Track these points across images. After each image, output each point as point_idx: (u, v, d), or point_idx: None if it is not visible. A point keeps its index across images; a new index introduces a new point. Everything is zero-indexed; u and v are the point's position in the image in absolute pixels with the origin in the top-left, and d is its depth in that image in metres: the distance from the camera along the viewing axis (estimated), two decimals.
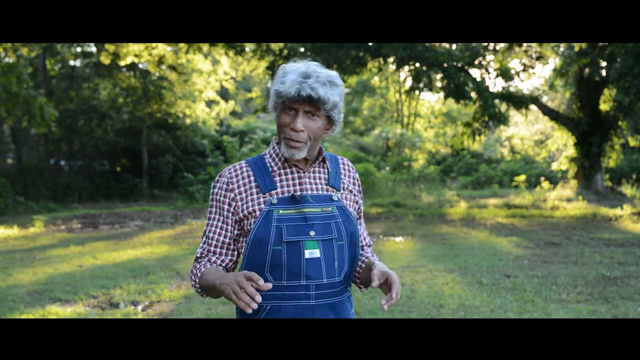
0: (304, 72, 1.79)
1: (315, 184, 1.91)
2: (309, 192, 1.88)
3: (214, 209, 1.92)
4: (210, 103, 25.42)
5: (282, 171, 1.90)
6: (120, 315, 5.46)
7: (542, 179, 19.23)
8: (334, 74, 1.84)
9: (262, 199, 1.86)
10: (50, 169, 22.46)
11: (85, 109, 22.77)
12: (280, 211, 1.83)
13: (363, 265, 1.97)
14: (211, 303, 5.81)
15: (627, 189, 16.90)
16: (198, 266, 1.92)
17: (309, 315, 1.82)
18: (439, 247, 9.01)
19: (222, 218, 1.90)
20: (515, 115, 25.00)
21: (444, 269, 7.24)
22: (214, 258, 1.92)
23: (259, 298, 1.61)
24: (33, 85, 18.41)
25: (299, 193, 1.87)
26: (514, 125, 27.98)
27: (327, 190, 1.91)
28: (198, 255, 1.94)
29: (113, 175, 23.38)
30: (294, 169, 1.90)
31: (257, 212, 1.84)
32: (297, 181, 1.89)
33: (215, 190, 1.92)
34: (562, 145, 17.58)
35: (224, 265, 1.93)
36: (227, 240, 1.91)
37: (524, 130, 28.38)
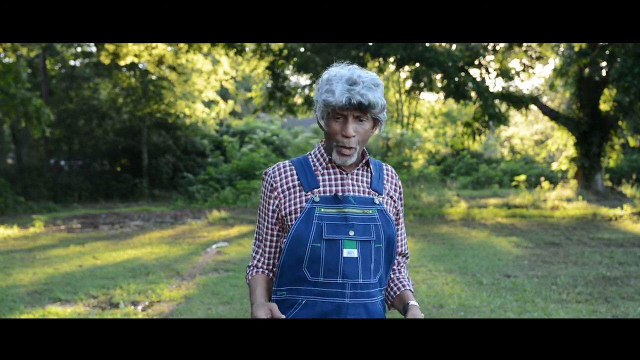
0: (349, 78, 1.81)
1: (358, 186, 1.93)
2: (351, 193, 1.91)
3: (261, 207, 1.99)
4: (210, 103, 25.41)
5: (325, 171, 1.93)
6: (120, 315, 5.46)
7: (542, 179, 19.22)
8: (374, 74, 1.86)
9: (304, 197, 1.90)
10: (50, 169, 22.46)
11: (85, 109, 22.76)
12: (322, 209, 1.87)
13: (398, 293, 2.01)
14: (211, 303, 5.81)
15: (627, 189, 16.90)
16: (249, 271, 2.02)
17: (343, 312, 1.85)
18: (439, 247, 9.01)
19: (267, 218, 1.97)
20: (515, 115, 24.99)
21: (444, 269, 7.24)
22: (260, 263, 1.99)
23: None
24: (31, 86, 18.38)
25: (340, 193, 1.89)
26: (514, 125, 27.98)
27: (369, 194, 1.93)
28: (253, 253, 2.02)
29: (113, 175, 23.38)
30: (337, 169, 1.93)
31: (299, 210, 1.88)
32: (339, 182, 1.92)
33: (262, 190, 1.99)
34: (562, 145, 17.58)
35: (271, 267, 1.99)
36: (274, 239, 1.97)
37: (524, 130, 28.38)
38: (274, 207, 1.93)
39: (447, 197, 15.92)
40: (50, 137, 22.05)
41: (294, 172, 1.94)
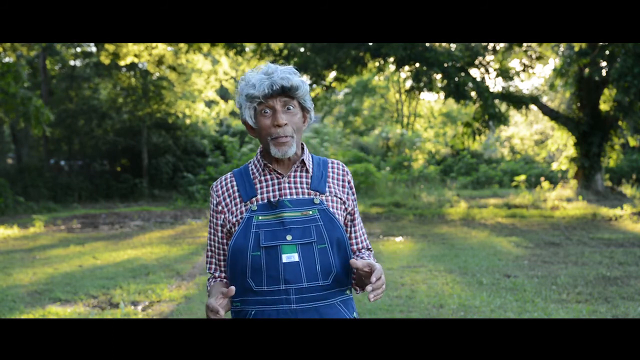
0: (265, 71, 1.83)
1: (296, 188, 1.90)
2: (288, 196, 1.88)
3: (210, 221, 2.00)
4: (210, 103, 25.41)
5: (263, 177, 1.91)
6: (120, 315, 5.46)
7: (542, 179, 19.22)
8: (291, 67, 1.87)
9: (243, 208, 1.89)
10: (50, 169, 22.47)
11: (85, 109, 22.77)
12: (260, 217, 1.85)
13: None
14: None
15: (627, 189, 16.90)
16: (208, 283, 2.03)
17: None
18: (439, 247, 9.01)
19: (217, 233, 1.98)
20: (515, 115, 25.00)
21: (444, 269, 7.24)
22: (217, 273, 2.00)
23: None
24: (31, 85, 18.36)
25: (276, 198, 1.87)
26: (514, 125, 27.99)
27: (308, 194, 1.90)
28: (207, 264, 2.03)
29: (113, 175, 23.38)
30: (273, 174, 1.90)
31: (240, 220, 1.87)
32: (276, 187, 1.89)
33: (210, 204, 1.99)
34: (562, 145, 17.58)
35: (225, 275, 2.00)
36: (222, 252, 1.98)
37: (524, 130, 28.39)
38: (221, 221, 1.94)
39: (447, 197, 15.92)
40: (50, 137, 22.06)
41: (234, 183, 1.93)
